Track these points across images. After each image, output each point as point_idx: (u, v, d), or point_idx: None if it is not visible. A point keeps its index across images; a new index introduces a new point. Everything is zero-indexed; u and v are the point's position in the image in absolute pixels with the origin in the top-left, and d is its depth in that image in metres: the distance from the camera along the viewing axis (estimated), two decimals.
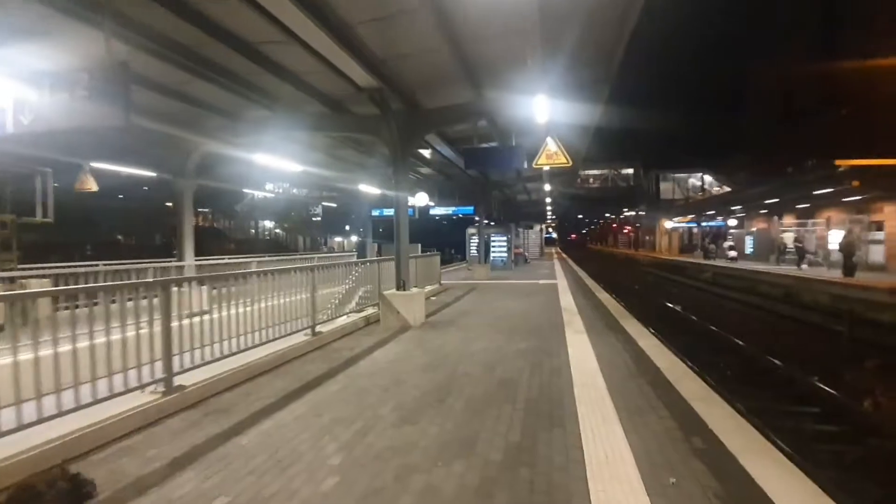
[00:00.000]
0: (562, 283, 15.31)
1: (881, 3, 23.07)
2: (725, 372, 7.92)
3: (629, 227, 71.94)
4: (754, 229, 30.87)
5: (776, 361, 8.09)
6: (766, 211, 28.27)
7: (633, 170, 49.45)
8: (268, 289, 5.65)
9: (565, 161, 7.62)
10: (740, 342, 9.56)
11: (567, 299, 10.97)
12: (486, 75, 7.12)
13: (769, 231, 29.19)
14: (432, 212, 19.11)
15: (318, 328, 6.42)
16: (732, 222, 35.06)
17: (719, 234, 38.33)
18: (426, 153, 13.50)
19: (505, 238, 21.70)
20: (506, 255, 21.66)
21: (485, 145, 9.47)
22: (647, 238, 55.21)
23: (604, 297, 11.34)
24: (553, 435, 3.36)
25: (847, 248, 16.92)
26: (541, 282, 15.69)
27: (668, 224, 44.37)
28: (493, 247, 21.76)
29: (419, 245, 17.26)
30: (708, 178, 44.56)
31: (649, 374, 4.77)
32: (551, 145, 7.63)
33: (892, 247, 19.98)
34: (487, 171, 14.12)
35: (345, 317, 7.67)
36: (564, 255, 44.46)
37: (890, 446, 5.03)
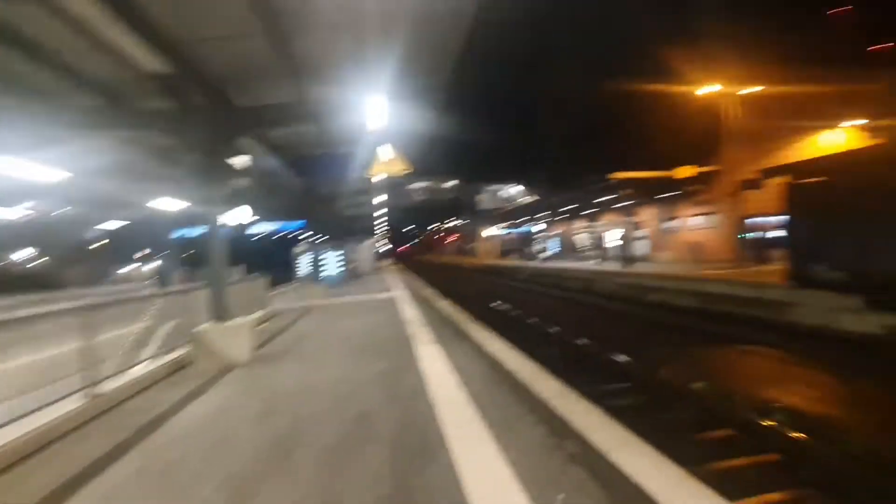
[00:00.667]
0: (400, 294, 15.14)
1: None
2: (554, 362, 8.65)
3: (454, 237, 77.28)
4: (556, 233, 36.09)
5: (590, 344, 9.17)
6: (562, 217, 33.25)
7: (455, 182, 53.23)
8: (9, 343, 3.94)
9: (403, 168, 7.37)
10: (555, 329, 10.65)
11: (409, 311, 10.75)
12: (313, 73, 6.39)
13: (567, 234, 34.42)
14: (256, 229, 17.03)
15: (100, 387, 4.77)
16: (541, 227, 40.40)
17: (530, 238, 43.79)
18: (244, 162, 11.87)
19: (338, 254, 20.71)
20: (340, 271, 20.67)
21: (316, 153, 8.64)
22: (471, 246, 59.98)
23: (442, 304, 11.47)
24: (428, 476, 2.89)
25: (624, 244, 20.86)
26: (379, 296, 15.26)
27: (488, 231, 48.84)
28: (326, 264, 20.56)
29: (244, 266, 15.19)
30: (515, 190, 50.65)
31: (506, 379, 4.69)
32: (387, 152, 7.29)
33: (651, 242, 25.36)
34: (318, 182, 13.18)
35: (142, 365, 5.97)
36: (397, 267, 45.13)
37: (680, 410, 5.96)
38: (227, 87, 6.37)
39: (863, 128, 20.02)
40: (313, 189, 14.69)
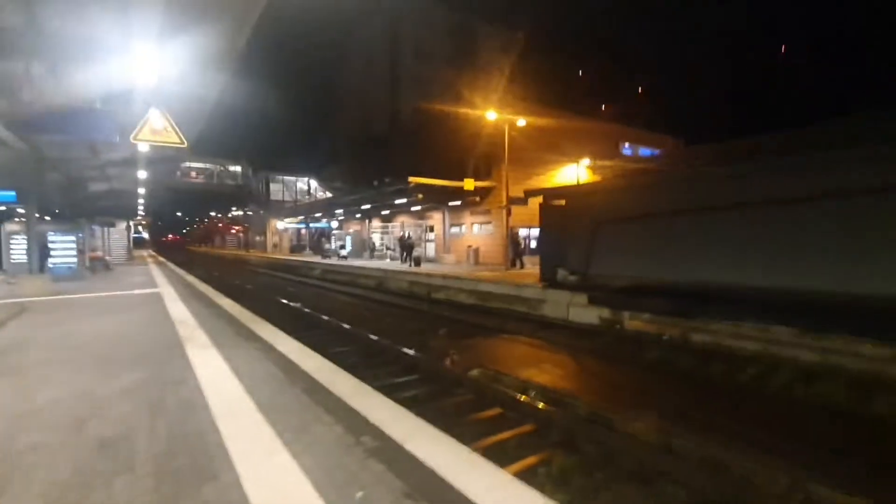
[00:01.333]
0: (167, 290, 12.78)
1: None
2: (349, 359, 8.59)
3: (238, 227, 69.74)
4: (351, 231, 36.11)
5: (382, 340, 9.43)
6: (360, 215, 33.50)
7: (242, 168, 48.07)
8: None
9: (177, 140, 6.14)
10: (348, 326, 10.65)
11: (179, 309, 9.13)
12: None
13: (362, 232, 34.82)
14: None
15: None
16: (335, 224, 39.75)
17: (324, 235, 42.69)
18: None
19: (73, 238, 16.21)
20: (75, 260, 16.23)
21: (52, 104, 6.40)
22: (258, 238, 55.08)
23: (226, 302, 10.15)
24: (204, 497, 2.43)
25: (408, 245, 22.29)
26: (136, 291, 12.57)
27: (280, 225, 45.68)
28: (55, 250, 15.89)
29: None
30: (314, 183, 48.73)
31: (302, 380, 4.37)
32: (157, 119, 5.98)
33: (437, 245, 27.69)
34: (48, 141, 9.98)
35: None
36: (163, 259, 38.18)
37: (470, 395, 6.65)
38: None
39: (591, 166, 26.11)
40: (37, 150, 11.07)
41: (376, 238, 31.88)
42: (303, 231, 46.96)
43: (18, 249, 15.20)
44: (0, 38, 4.83)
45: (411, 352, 8.69)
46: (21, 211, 14.09)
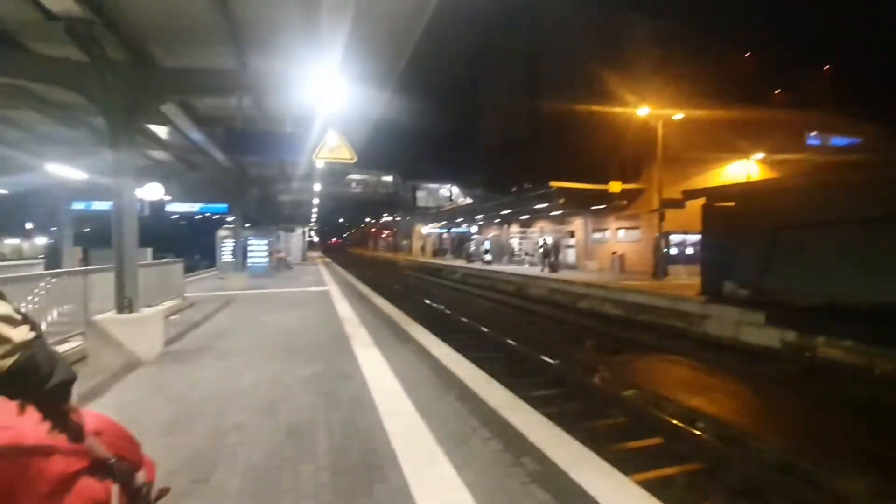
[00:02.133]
0: (333, 289, 14.45)
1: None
2: (491, 366, 8.60)
3: (388, 232, 76.27)
4: (490, 235, 36.70)
5: (524, 347, 9.24)
6: (499, 220, 33.86)
7: (393, 178, 52.39)
8: None
9: (349, 156, 6.88)
10: (492, 332, 10.66)
11: (344, 307, 10.21)
12: (255, 40, 5.72)
13: (500, 237, 35.13)
14: (170, 208, 15.31)
15: None
16: (474, 229, 40.87)
17: (464, 239, 44.19)
18: (162, 132, 10.63)
19: (265, 241, 19.40)
20: (266, 260, 19.37)
21: (250, 130, 7.78)
22: (405, 242, 59.44)
23: (380, 302, 11.05)
24: (377, 498, 2.56)
25: (548, 251, 21.68)
26: (310, 289, 14.47)
27: (424, 230, 48.62)
28: (252, 251, 19.18)
29: (149, 250, 13.80)
30: (455, 190, 50.89)
31: (455, 387, 4.46)
32: (333, 138, 6.77)
33: (578, 251, 26.51)
34: (250, 161, 12.08)
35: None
36: (328, 259, 43.57)
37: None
38: (148, 41, 5.52)
39: (763, 161, 22.38)
40: (244, 170, 13.52)
41: (515, 243, 31.79)
42: (444, 235, 49.33)
43: (227, 251, 18.73)
44: (222, 79, 6.01)
45: (556, 363, 8.37)
46: (229, 219, 17.35)
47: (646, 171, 21.55)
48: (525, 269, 24.70)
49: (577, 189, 20.89)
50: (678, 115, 17.57)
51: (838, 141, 24.88)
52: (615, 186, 20.55)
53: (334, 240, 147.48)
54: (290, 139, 6.89)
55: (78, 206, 14.12)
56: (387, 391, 4.38)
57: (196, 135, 9.56)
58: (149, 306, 8.16)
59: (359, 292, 13.74)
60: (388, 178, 53.53)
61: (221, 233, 18.42)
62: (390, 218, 69.95)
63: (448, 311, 14.45)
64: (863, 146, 24.96)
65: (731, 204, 12.84)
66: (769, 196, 11.91)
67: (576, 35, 29.98)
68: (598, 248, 24.51)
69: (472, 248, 34.52)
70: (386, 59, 6.11)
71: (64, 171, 11.28)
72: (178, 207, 15.46)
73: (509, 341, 9.97)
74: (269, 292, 13.54)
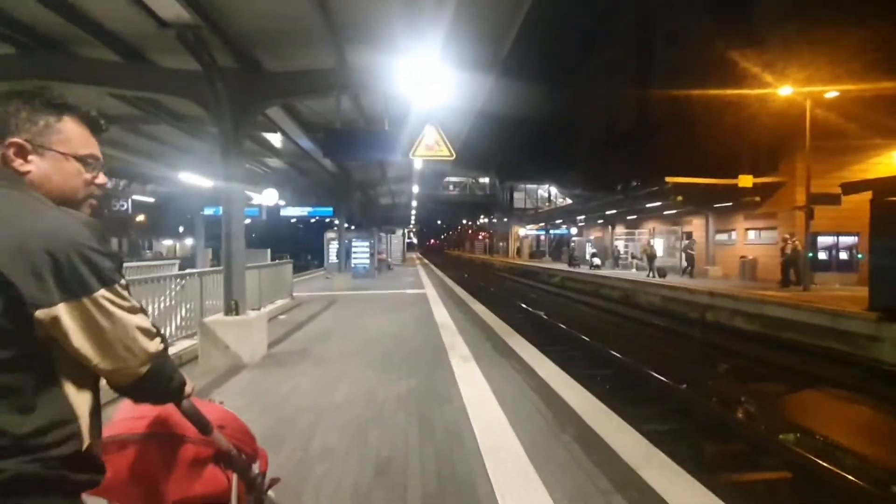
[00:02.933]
0: (431, 292, 14.30)
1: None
2: (602, 385, 7.62)
3: (484, 234, 76.16)
4: (592, 237, 34.51)
5: (640, 366, 8.05)
6: (602, 221, 31.63)
7: (490, 179, 52.03)
8: None
9: (448, 153, 6.46)
10: (599, 345, 9.53)
11: (441, 312, 9.86)
12: (354, 38, 5.52)
13: (604, 239, 32.83)
14: (284, 213, 16.45)
15: None
16: (574, 231, 38.84)
17: (564, 241, 42.26)
18: (275, 140, 11.25)
19: (367, 243, 20.03)
20: (368, 261, 19.98)
21: (352, 131, 7.69)
22: (501, 244, 58.71)
23: (479, 308, 10.53)
24: None
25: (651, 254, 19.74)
26: (408, 291, 14.47)
27: (522, 231, 47.51)
28: (355, 253, 19.92)
29: (268, 251, 14.77)
30: (553, 190, 49.03)
31: (570, 423, 3.73)
32: (431, 134, 6.39)
33: (697, 254, 23.64)
34: (351, 161, 12.31)
35: None
36: (426, 261, 44.47)
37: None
38: (255, 47, 5.58)
39: None
40: (346, 173, 13.95)
41: (620, 245, 29.40)
42: (542, 237, 47.70)
43: (333, 252, 19.68)
44: (322, 79, 5.95)
45: (682, 388, 7.15)
46: (335, 221, 18.17)
47: (784, 163, 18.43)
48: (632, 274, 22.61)
49: (697, 185, 18.48)
50: (831, 93, 14.58)
51: None
52: (746, 181, 17.79)
53: (432, 241, 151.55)
54: (388, 138, 6.63)
55: (208, 211, 15.67)
56: (488, 421, 3.79)
57: (304, 141, 9.91)
58: (258, 307, 8.52)
59: (456, 296, 13.40)
60: (485, 180, 53.29)
61: (328, 235, 19.38)
62: (486, 220, 69.78)
63: (548, 318, 13.51)
64: None
65: None
66: None
67: (695, 7, 26.91)
68: (723, 252, 21.56)
69: (576, 250, 32.31)
70: (490, 41, 5.56)
71: (194, 179, 12.46)
72: (290, 211, 16.53)
73: (618, 355, 8.85)
74: (370, 294, 13.77)
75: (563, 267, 31.76)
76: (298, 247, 43.53)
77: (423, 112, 6.50)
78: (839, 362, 9.19)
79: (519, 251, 51.05)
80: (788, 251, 15.65)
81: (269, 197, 13.85)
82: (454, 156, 6.62)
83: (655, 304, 17.11)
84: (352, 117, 7.65)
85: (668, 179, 18.06)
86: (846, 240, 17.32)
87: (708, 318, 14.21)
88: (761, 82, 18.14)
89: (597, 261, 26.27)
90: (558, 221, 38.20)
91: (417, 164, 10.79)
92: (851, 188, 11.21)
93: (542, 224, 41.83)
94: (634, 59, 35.78)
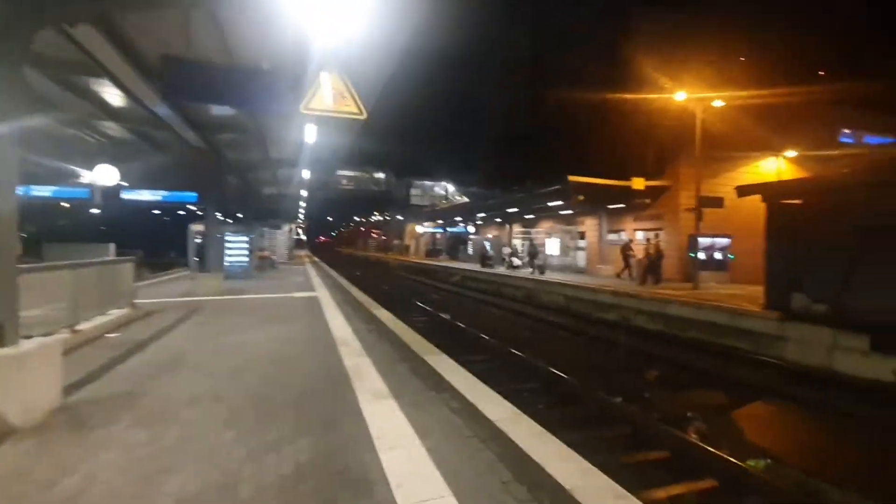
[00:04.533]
0: (324, 294, 12.20)
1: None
2: (536, 402, 6.50)
3: (378, 231, 73.87)
4: (490, 236, 34.56)
5: (571, 378, 7.14)
6: (500, 220, 31.71)
7: (385, 175, 50.09)
8: None
9: (356, 110, 4.69)
10: (525, 356, 8.52)
11: (339, 323, 7.98)
12: None
13: (501, 238, 33.01)
14: (128, 196, 12.80)
15: None
16: (471, 229, 38.74)
17: (461, 240, 42.03)
18: (110, 95, 8.35)
19: (246, 239, 17.03)
20: (246, 259, 17.02)
21: (208, 63, 5.31)
22: (397, 242, 57.07)
23: (384, 315, 8.83)
24: None
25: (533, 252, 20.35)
26: (297, 294, 12.19)
27: (419, 229, 46.40)
28: (230, 249, 16.81)
29: (111, 246, 11.82)
30: (451, 188, 48.70)
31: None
32: (331, 84, 4.57)
33: (590, 253, 24.53)
34: (226, 140, 9.83)
35: None
36: (316, 259, 41.13)
37: None
38: None
39: (795, 159, 20.62)
40: (216, 149, 11.23)
41: (518, 244, 29.64)
42: (438, 235, 47.11)
43: (202, 247, 16.32)
44: None
45: (619, 402, 6.32)
46: (201, 211, 14.96)
47: (671, 168, 19.61)
48: (529, 273, 22.62)
49: (595, 186, 18.84)
50: (718, 102, 15.58)
51: (871, 139, 23.25)
52: (639, 183, 18.56)
53: (323, 238, 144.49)
54: (266, 81, 4.66)
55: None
56: None
57: (166, 110, 7.29)
58: (73, 324, 5.92)
59: (353, 299, 11.51)
60: (381, 175, 51.21)
61: (193, 227, 16.04)
62: (381, 217, 67.60)
63: (460, 324, 12.28)
64: None
65: (799, 202, 10.92)
66: (852, 191, 9.95)
67: (589, 15, 27.99)
68: (613, 251, 22.52)
69: (490, 249, 30.23)
70: None
71: None
72: (138, 196, 12.88)
73: (550, 368, 7.85)
74: (247, 299, 11.24)
75: (463, 265, 31.22)
76: (162, 242, 37.37)
77: (323, 51, 4.63)
78: (750, 363, 9.26)
79: (410, 249, 49.90)
80: (651, 252, 16.82)
81: (104, 175, 10.56)
82: (364, 114, 4.84)
83: (561, 304, 16.94)
84: (211, 41, 5.36)
85: (570, 178, 18.08)
86: (721, 241, 18.84)
87: (610, 318, 14.21)
88: (653, 88, 19.06)
89: (517, 261, 24.90)
90: (457, 219, 37.73)
91: (310, 138, 8.74)
92: (746, 191, 11.69)
93: (441, 221, 41.12)
94: (531, 61, 36.68)
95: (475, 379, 4.57)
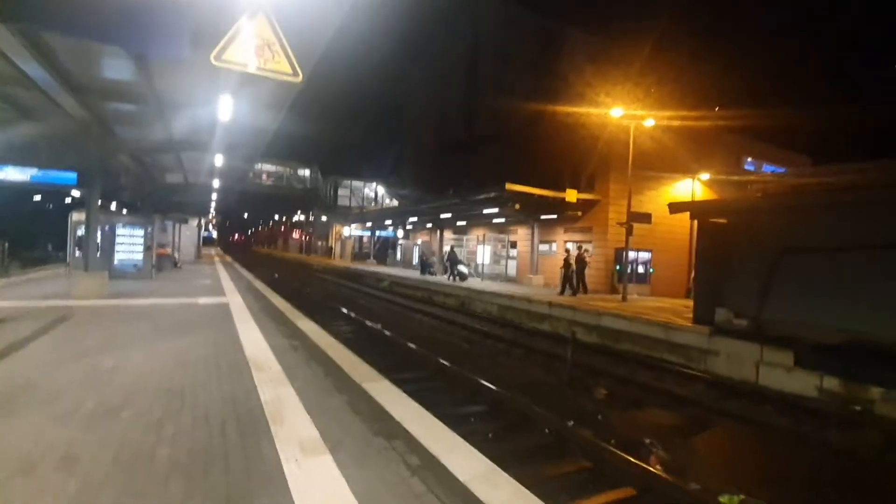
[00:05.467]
0: (235, 300, 10.61)
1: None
2: (480, 425, 5.77)
3: (300, 232, 70.09)
4: (419, 241, 33.77)
5: (514, 396, 6.53)
6: (430, 225, 31.03)
7: (311, 172, 47.45)
8: None
9: (288, 70, 3.60)
10: (462, 371, 7.79)
11: (254, 337, 6.67)
12: None
13: (431, 243, 32.37)
14: None
15: None
16: (400, 233, 37.69)
17: (387, 244, 40.77)
18: None
19: (141, 231, 14.68)
20: (141, 256, 14.68)
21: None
22: (320, 243, 54.33)
23: (309, 327, 7.62)
24: None
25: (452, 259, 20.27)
26: (202, 300, 10.47)
27: (346, 231, 44.41)
28: (121, 244, 14.41)
29: None
30: (381, 190, 47.23)
31: None
32: (253, 30, 3.44)
33: (521, 263, 24.63)
34: (115, 111, 8.01)
35: None
36: (229, 259, 37.67)
37: None
38: None
39: (709, 181, 22.22)
40: (101, 120, 9.26)
41: (447, 250, 29.11)
42: (365, 239, 45.41)
43: (84, 240, 13.75)
44: None
45: (571, 425, 5.78)
46: (82, 196, 12.54)
47: (601, 183, 20.15)
48: (472, 282, 22.16)
49: (530, 195, 18.81)
50: (650, 121, 16.16)
51: (769, 168, 25.79)
52: (572, 195, 18.82)
53: (237, 236, 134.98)
54: (162, 16, 3.42)
55: None
56: None
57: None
58: None
59: (271, 306, 10.09)
60: (306, 173, 48.45)
61: (75, 216, 13.48)
62: (303, 217, 64.17)
63: (389, 333, 11.28)
64: (799, 173, 26.14)
65: (723, 221, 11.37)
66: (771, 214, 10.48)
67: (517, 38, 28.46)
68: (546, 261, 22.75)
69: (429, 255, 28.61)
70: None
71: None
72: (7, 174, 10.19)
73: (492, 386, 7.17)
74: (137, 304, 9.37)
75: (392, 270, 30.08)
76: (41, 232, 32.19)
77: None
78: (682, 377, 9.27)
79: (335, 251, 47.67)
80: (572, 262, 17.25)
81: None
82: (300, 77, 3.76)
83: (494, 313, 16.54)
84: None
85: (508, 186, 17.84)
86: (643, 255, 19.66)
87: (544, 328, 14.00)
88: (586, 105, 19.50)
89: (465, 269, 22.80)
90: (387, 223, 36.50)
91: (224, 116, 7.30)
92: (677, 208, 11.99)
93: (369, 224, 39.60)
94: (463, 73, 36.65)
95: (429, 416, 3.68)
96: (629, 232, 15.54)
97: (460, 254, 28.09)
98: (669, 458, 5.27)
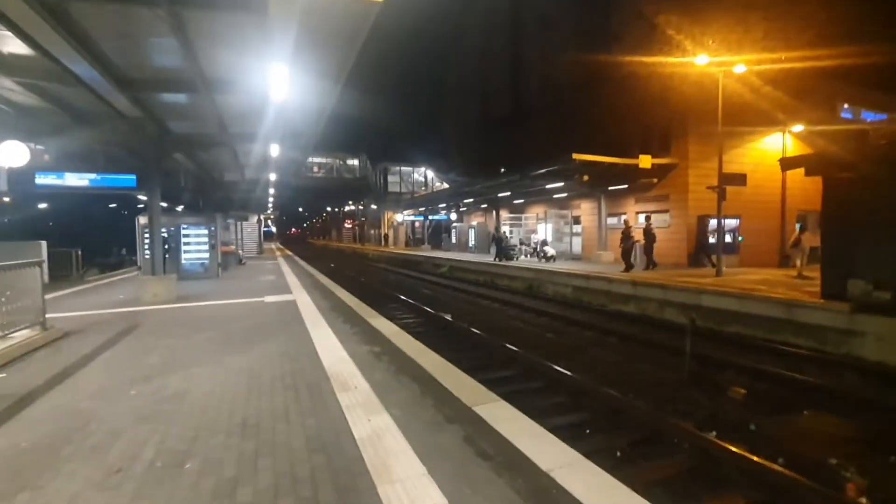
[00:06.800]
0: (303, 298, 10.06)
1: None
2: (595, 435, 4.71)
3: (351, 221, 70.99)
4: (475, 223, 32.67)
5: (634, 400, 5.39)
6: (486, 205, 29.82)
7: (360, 161, 47.35)
8: None
9: None
10: (560, 367, 6.71)
11: (329, 343, 5.92)
12: None
13: (487, 225, 31.19)
14: (43, 181, 10.09)
15: None
16: (454, 216, 36.76)
17: (440, 228, 39.98)
18: (12, 45, 5.99)
19: (205, 231, 14.62)
20: (207, 256, 14.65)
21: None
22: (373, 232, 54.57)
23: (385, 326, 6.83)
24: None
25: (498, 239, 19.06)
26: (269, 299, 10.01)
27: (398, 217, 44.11)
28: (187, 245, 14.42)
29: (42, 244, 9.87)
30: (430, 174, 46.42)
31: None
32: None
33: (587, 239, 23.00)
34: (169, 108, 7.51)
35: None
36: (288, 252, 38.41)
37: None
38: None
39: (801, 134, 19.46)
40: (155, 118, 8.84)
41: (506, 230, 27.83)
42: (417, 224, 44.89)
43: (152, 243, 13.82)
44: None
45: (717, 440, 4.55)
46: (145, 199, 12.47)
47: (677, 145, 18.08)
48: (524, 262, 20.91)
49: (599, 164, 17.12)
50: (741, 67, 13.92)
51: (868, 115, 22.40)
52: (646, 161, 16.95)
53: (293, 230, 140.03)
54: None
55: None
56: None
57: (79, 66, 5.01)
58: None
59: (339, 302, 9.44)
60: (355, 162, 48.42)
61: (142, 220, 13.53)
62: (353, 206, 64.72)
63: (463, 325, 10.37)
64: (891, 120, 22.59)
65: (850, 175, 9.43)
66: None
67: None
68: (614, 236, 21.02)
69: (511, 237, 25.24)
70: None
71: None
72: (57, 181, 10.17)
73: (590, 383, 6.06)
74: (205, 307, 9.00)
75: (447, 255, 29.25)
76: (111, 238, 34.04)
77: None
78: (822, 364, 7.72)
79: (387, 238, 47.51)
80: (633, 235, 15.56)
81: (10, 154, 8.07)
82: None
83: (566, 295, 15.28)
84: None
85: (575, 156, 16.29)
86: (730, 222, 17.52)
87: (630, 310, 12.61)
88: (657, 54, 17.42)
89: (550, 250, 20.96)
90: (439, 206, 35.65)
91: (276, 91, 6.52)
92: (791, 163, 10.15)
93: (421, 209, 38.93)
94: (508, 42, 34.70)
95: (581, 458, 2.66)
96: (722, 196, 13.64)
97: (519, 233, 26.79)
98: (882, 492, 3.97)
